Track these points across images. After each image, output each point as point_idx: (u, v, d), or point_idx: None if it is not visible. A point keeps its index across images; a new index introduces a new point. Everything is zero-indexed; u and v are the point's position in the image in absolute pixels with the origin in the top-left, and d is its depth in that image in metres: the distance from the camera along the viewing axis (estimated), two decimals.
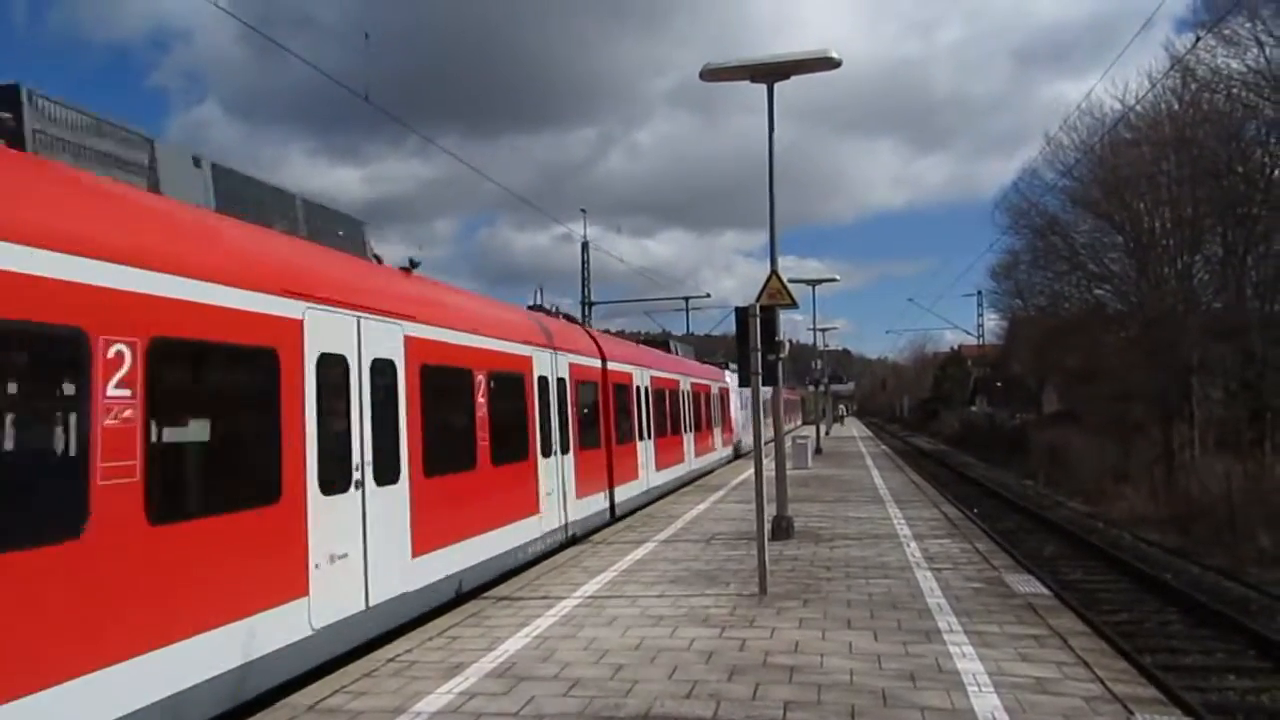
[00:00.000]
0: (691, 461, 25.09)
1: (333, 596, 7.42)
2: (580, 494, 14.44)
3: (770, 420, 14.53)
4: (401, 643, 7.98)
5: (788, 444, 19.55)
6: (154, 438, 5.71)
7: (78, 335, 5.23)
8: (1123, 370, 31.75)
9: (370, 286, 8.84)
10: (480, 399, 10.74)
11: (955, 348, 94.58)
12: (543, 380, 13.14)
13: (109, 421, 5.36)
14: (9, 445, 5.20)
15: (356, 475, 7.96)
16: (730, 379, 33.00)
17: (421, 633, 8.33)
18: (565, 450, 13.83)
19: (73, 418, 5.36)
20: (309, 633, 7.10)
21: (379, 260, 10.02)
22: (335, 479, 7.61)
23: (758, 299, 12.43)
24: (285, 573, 6.93)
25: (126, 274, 5.61)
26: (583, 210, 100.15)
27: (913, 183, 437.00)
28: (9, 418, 5.21)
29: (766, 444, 13.80)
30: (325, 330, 7.67)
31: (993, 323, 64.05)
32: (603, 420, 16.46)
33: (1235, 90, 27.59)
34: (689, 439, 25.05)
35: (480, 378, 10.79)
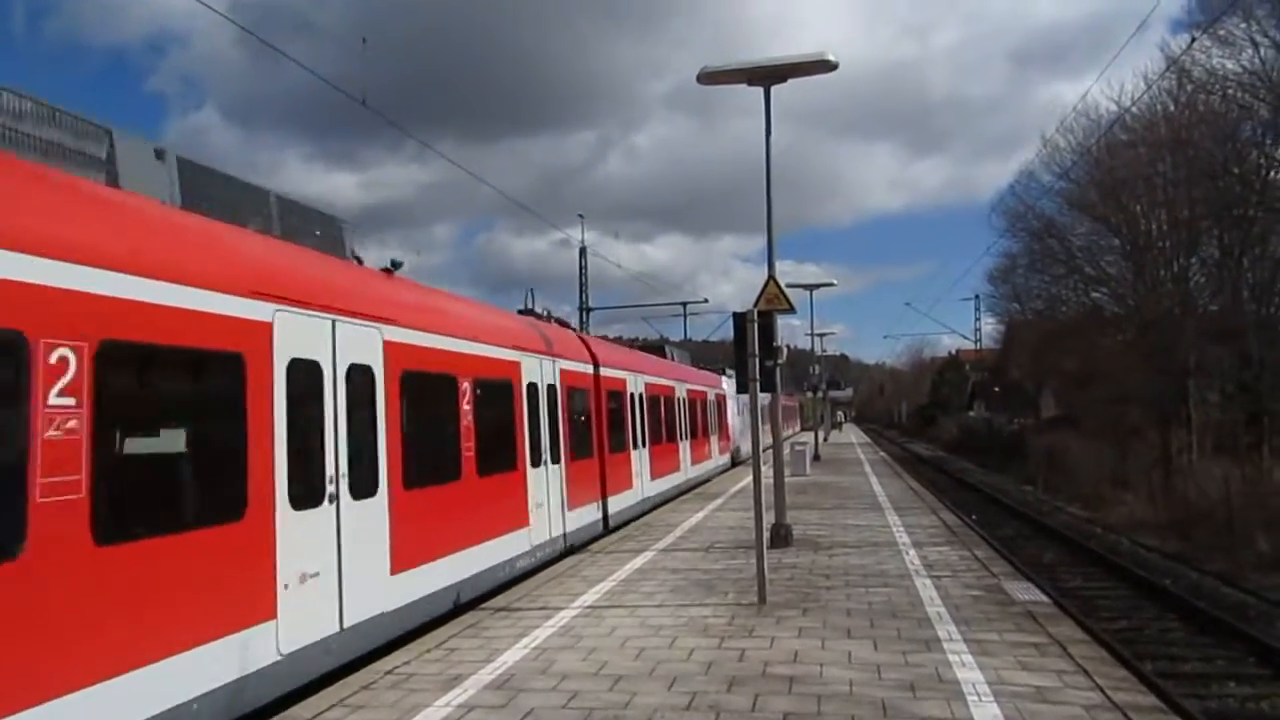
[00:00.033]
0: (688, 470, 24.72)
1: (303, 619, 6.99)
2: (572, 505, 14.06)
3: (769, 426, 14.50)
4: (399, 654, 7.94)
5: (786, 451, 19.37)
6: (102, 451, 5.30)
7: (14, 338, 4.84)
8: (1120, 374, 31.76)
9: (346, 288, 8.43)
10: (465, 407, 10.33)
11: (953, 352, 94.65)
12: (532, 387, 12.74)
13: (51, 433, 4.97)
14: None
15: (331, 488, 7.55)
16: (727, 385, 32.81)
17: (419, 644, 8.29)
18: (556, 460, 13.47)
19: (8, 429, 4.91)
20: (277, 658, 6.65)
21: (360, 261, 9.70)
22: (307, 493, 7.21)
23: (755, 304, 12.44)
24: (250, 594, 6.49)
25: (72, 272, 5.21)
26: (580, 215, 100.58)
27: (910, 186, 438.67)
28: None
29: (765, 450, 13.79)
30: (297, 334, 7.25)
31: (990, 327, 64.15)
32: (595, 428, 16.06)
33: (1231, 91, 27.66)
34: (685, 447, 24.66)
35: (465, 385, 10.38)
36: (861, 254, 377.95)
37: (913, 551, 12.59)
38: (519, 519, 11.78)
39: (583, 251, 43.48)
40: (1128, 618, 13.10)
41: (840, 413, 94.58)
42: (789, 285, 18.19)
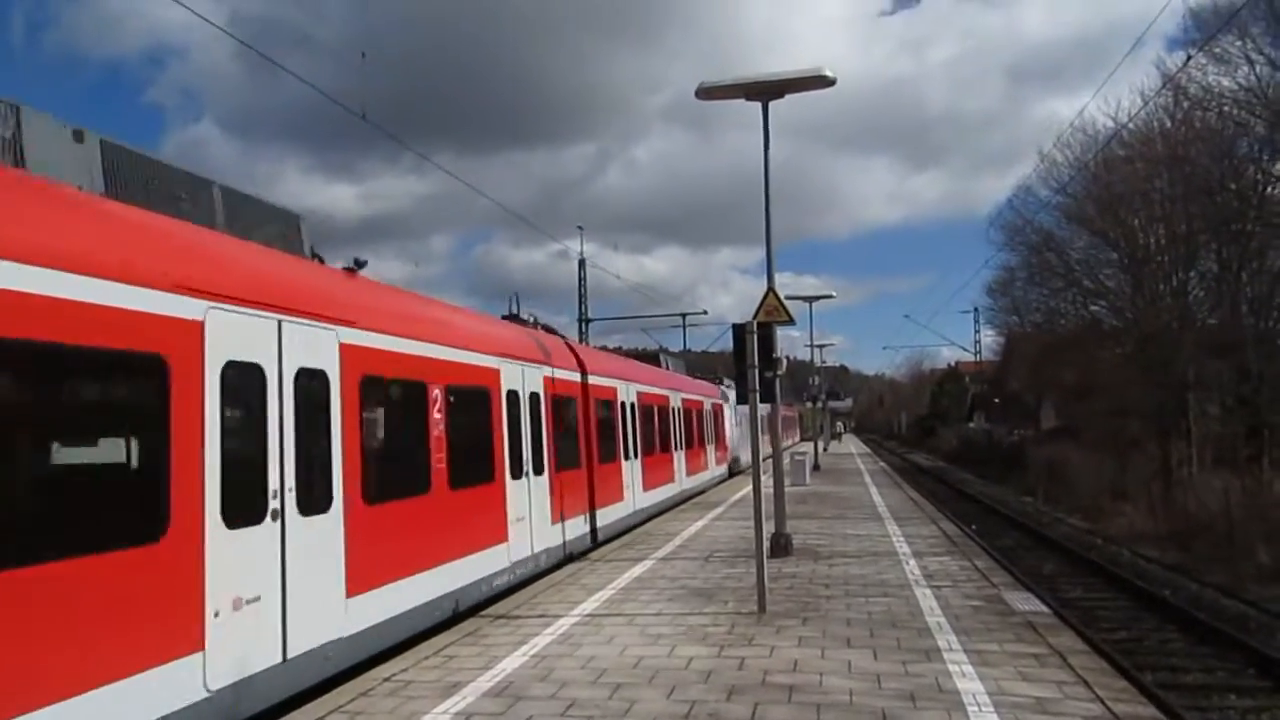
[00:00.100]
0: (683, 481, 24.27)
1: (237, 650, 6.28)
2: (557, 518, 13.42)
3: (769, 437, 14.50)
4: (397, 662, 7.93)
5: (786, 460, 19.27)
6: None
7: None
8: (1119, 386, 31.78)
9: (297, 286, 7.77)
10: (436, 415, 9.69)
11: (952, 364, 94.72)
12: (512, 395, 12.13)
13: None
14: None
15: (274, 504, 6.87)
16: (724, 395, 32.69)
17: (417, 652, 8.28)
18: (539, 471, 12.83)
19: None
20: (204, 695, 5.94)
21: (320, 260, 9.12)
22: (244, 509, 6.53)
23: (755, 316, 12.47)
24: (171, 624, 5.76)
25: None
26: (579, 227, 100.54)
27: (908, 199, 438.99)
28: None
29: (765, 460, 13.79)
30: (234, 334, 6.60)
31: (989, 339, 64.17)
32: (583, 438, 15.49)
33: (1227, 108, 27.84)
34: (679, 457, 24.18)
35: (436, 392, 9.75)
36: (860, 266, 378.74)
37: (913, 561, 12.58)
38: (496, 534, 11.15)
39: (582, 263, 43.60)
40: (1128, 629, 13.08)
41: (840, 423, 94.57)
42: (788, 297, 18.19)
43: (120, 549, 5.45)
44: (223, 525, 6.26)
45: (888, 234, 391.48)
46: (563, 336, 16.80)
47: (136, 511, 5.75)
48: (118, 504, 5.69)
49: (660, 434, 21.96)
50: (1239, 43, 26.31)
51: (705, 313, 69.19)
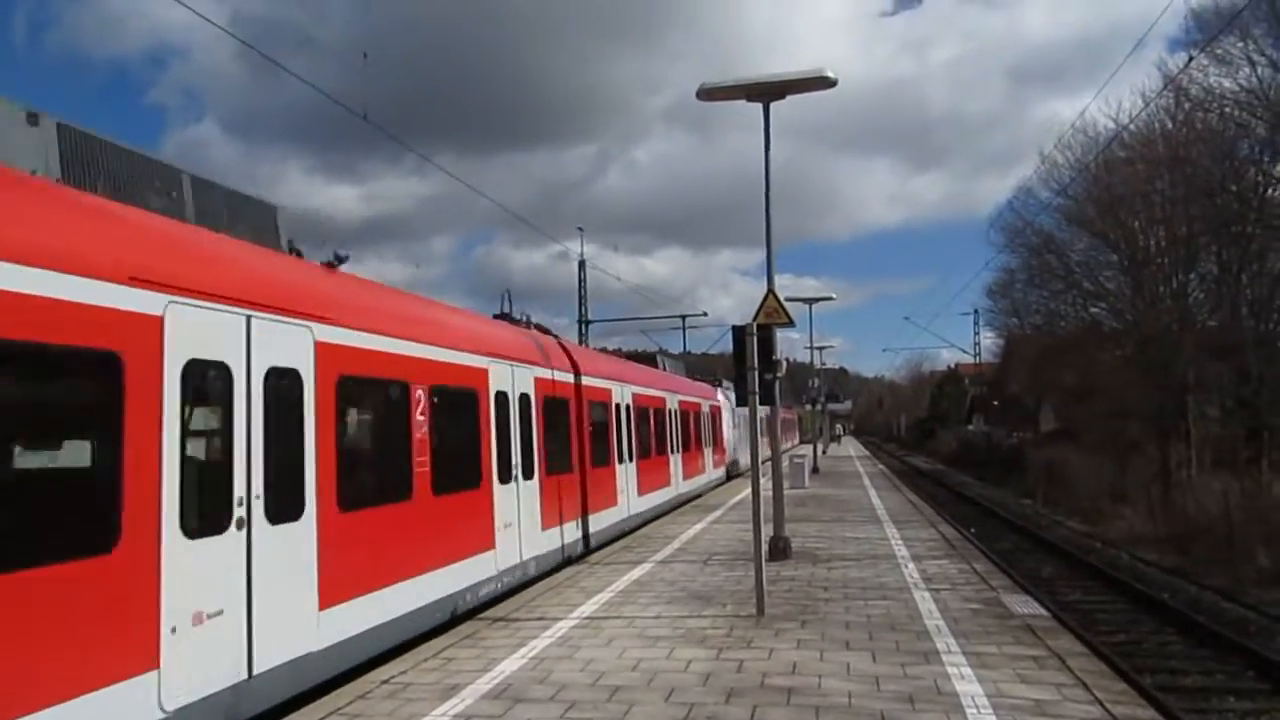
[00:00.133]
0: (679, 485, 23.89)
1: (196, 667, 5.89)
2: (547, 524, 12.92)
3: (768, 439, 14.48)
4: (396, 664, 7.93)
5: (785, 463, 19.10)
6: None
7: None
8: (1119, 388, 31.79)
9: (269, 280, 7.36)
10: (419, 417, 9.28)
11: (952, 366, 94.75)
12: (501, 396, 11.66)
13: None
14: None
15: (239, 512, 6.46)
16: (723, 397, 32.43)
17: (416, 654, 8.27)
18: (529, 475, 12.36)
19: None
20: (159, 716, 5.58)
21: (299, 254, 8.74)
22: (206, 517, 6.17)
23: (755, 317, 12.47)
24: (123, 641, 5.38)
25: None
26: (580, 228, 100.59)
27: (909, 201, 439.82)
28: None
29: (764, 462, 13.79)
30: (197, 330, 6.20)
31: (989, 341, 64.22)
32: (576, 441, 15.00)
33: (1228, 109, 27.84)
34: (676, 461, 23.76)
35: (419, 392, 9.33)
36: (860, 268, 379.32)
37: (911, 564, 12.58)
38: (483, 541, 10.71)
39: (582, 264, 43.62)
40: (1127, 631, 13.08)
41: (839, 426, 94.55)
42: (788, 299, 18.17)
43: (67, 561, 5.09)
44: (181, 535, 5.87)
45: (888, 236, 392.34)
46: (556, 336, 16.42)
47: (85, 521, 5.38)
48: (64, 513, 5.30)
49: (656, 437, 21.55)
50: (1240, 44, 26.36)
51: (705, 314, 69.40)
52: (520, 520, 11.87)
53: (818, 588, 10.97)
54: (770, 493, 13.43)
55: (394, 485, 8.88)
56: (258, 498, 6.66)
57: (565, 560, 13.55)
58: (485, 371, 11.28)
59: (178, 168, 7.45)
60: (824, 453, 49.88)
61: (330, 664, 7.44)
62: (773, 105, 12.67)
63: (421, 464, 9.25)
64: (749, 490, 11.27)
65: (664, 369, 27.05)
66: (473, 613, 10.01)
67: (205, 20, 11.28)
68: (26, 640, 4.81)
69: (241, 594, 6.42)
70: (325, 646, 7.33)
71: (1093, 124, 35.02)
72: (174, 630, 5.72)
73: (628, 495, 18.26)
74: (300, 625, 7.07)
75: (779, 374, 11.34)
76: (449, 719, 6.42)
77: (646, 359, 27.80)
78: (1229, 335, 28.19)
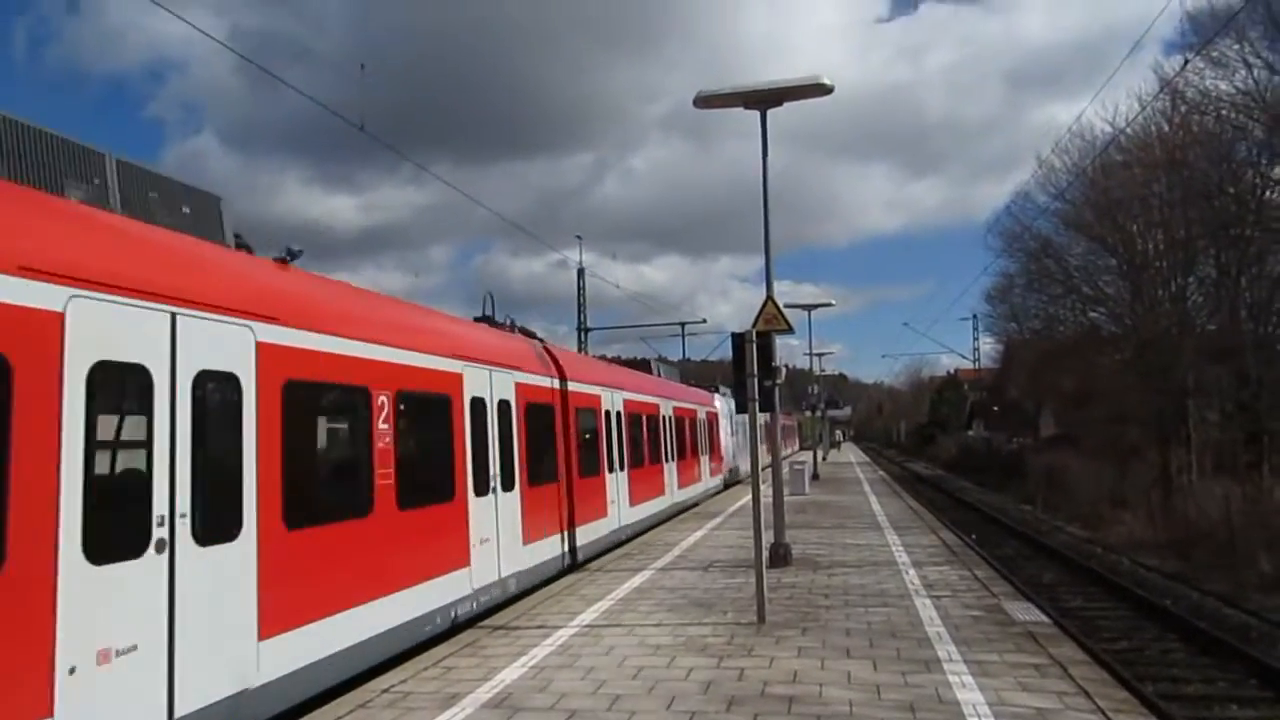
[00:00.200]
0: (674, 494, 23.18)
1: (101, 713, 5.21)
2: (530, 538, 12.27)
3: (767, 446, 14.45)
4: (396, 673, 7.90)
5: (785, 470, 18.78)
6: None
7: None
8: (1118, 393, 31.78)
9: (203, 274, 6.67)
10: (381, 425, 8.60)
11: (951, 372, 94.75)
12: (478, 402, 11.03)
13: None
14: None
15: (160, 532, 5.76)
16: (720, 403, 32.11)
17: (416, 663, 8.25)
18: (509, 487, 11.71)
19: None
20: None
21: (248, 249, 8.09)
22: (116, 540, 5.46)
23: (754, 324, 12.48)
24: (8, 685, 4.75)
25: None
26: (578, 236, 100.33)
27: (907, 206, 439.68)
28: None
29: (764, 469, 13.76)
30: (108, 329, 5.55)
31: (988, 346, 64.14)
32: (562, 450, 14.33)
33: (1225, 112, 27.86)
34: (670, 469, 23.08)
35: (383, 399, 8.66)
36: (859, 274, 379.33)
37: (912, 571, 12.56)
38: (456, 558, 10.04)
39: (580, 272, 43.56)
40: (1128, 638, 13.04)
41: (839, 432, 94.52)
42: (787, 305, 18.11)
43: None
44: (84, 560, 5.17)
45: (886, 241, 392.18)
46: (542, 340, 15.84)
47: None
48: None
49: (649, 444, 20.91)
50: (1236, 46, 26.37)
51: (704, 321, 69.52)
52: (499, 535, 11.26)
53: (818, 595, 10.95)
54: (770, 499, 13.42)
55: (352, 500, 8.25)
56: (183, 516, 5.99)
57: (550, 576, 13.00)
58: (459, 376, 10.66)
59: (101, 150, 6.78)
60: (824, 459, 49.88)
61: (272, 701, 6.73)
62: (770, 112, 12.70)
63: (384, 476, 8.62)
64: (749, 497, 11.25)
65: (659, 375, 26.75)
66: (445, 635, 9.45)
67: (203, 34, 11.33)
68: None
69: (162, 625, 5.72)
70: (266, 682, 6.62)
71: (1090, 128, 35.17)
72: (73, 671, 5.01)
73: (618, 506, 17.65)
74: (235, 659, 6.36)
75: (778, 380, 11.31)
76: None
77: (640, 365, 27.57)
78: (1228, 339, 28.18)
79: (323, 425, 8.22)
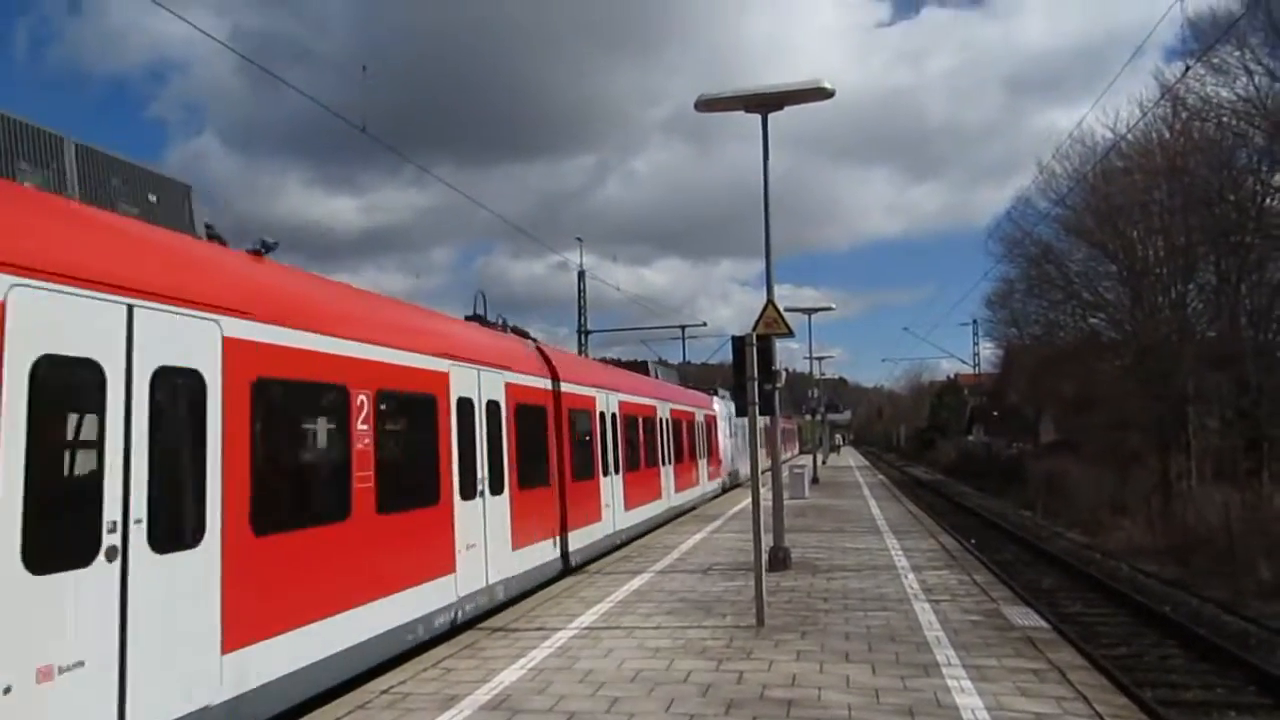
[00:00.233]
0: (671, 498, 22.90)
1: None
2: (519, 543, 11.90)
3: (767, 449, 14.45)
4: (395, 674, 7.91)
5: (784, 473, 18.58)
6: None
7: None
8: (1118, 399, 31.79)
9: (165, 265, 6.31)
10: (360, 426, 8.22)
11: (952, 376, 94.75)
12: (464, 403, 10.63)
13: None
14: None
15: (111, 540, 5.38)
16: (719, 406, 31.94)
17: (416, 664, 8.25)
18: (498, 490, 11.37)
19: None
20: None
21: (221, 241, 7.74)
22: (60, 547, 5.11)
23: (754, 328, 12.48)
24: None
25: None
26: (579, 239, 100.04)
27: (907, 211, 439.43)
28: None
29: (764, 472, 13.75)
30: (55, 321, 5.17)
31: (989, 351, 64.16)
32: (554, 452, 14.00)
33: (1225, 118, 27.91)
34: (667, 472, 22.76)
35: (362, 398, 8.29)
36: (859, 278, 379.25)
37: (911, 575, 12.56)
38: (440, 565, 9.68)
39: (581, 275, 43.61)
40: (1127, 644, 13.04)
41: (839, 436, 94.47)
42: (787, 309, 18.21)
43: None
44: (22, 569, 4.82)
45: (887, 246, 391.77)
46: (535, 340, 15.54)
47: None
48: None
49: (645, 447, 20.52)
50: (1237, 53, 26.42)
51: (705, 324, 69.50)
52: (487, 540, 10.90)
53: (817, 598, 10.95)
54: (770, 503, 13.42)
55: (327, 504, 7.93)
56: (138, 522, 5.58)
57: (541, 582, 12.69)
58: (445, 375, 10.27)
59: (59, 134, 6.39)
60: (824, 463, 49.86)
61: (237, 718, 6.38)
62: (771, 116, 12.73)
63: (363, 479, 8.24)
64: (748, 500, 11.25)
65: (656, 377, 26.61)
66: (429, 645, 9.15)
67: (205, 35, 11.38)
68: None
69: (112, 639, 5.33)
70: (230, 698, 6.25)
71: (1090, 134, 35.29)
72: (8, 690, 4.65)
73: (613, 509, 17.28)
74: (195, 674, 5.97)
75: (778, 384, 11.33)
76: None
77: (638, 367, 27.45)
78: (1228, 345, 28.19)
79: (296, 425, 7.88)
